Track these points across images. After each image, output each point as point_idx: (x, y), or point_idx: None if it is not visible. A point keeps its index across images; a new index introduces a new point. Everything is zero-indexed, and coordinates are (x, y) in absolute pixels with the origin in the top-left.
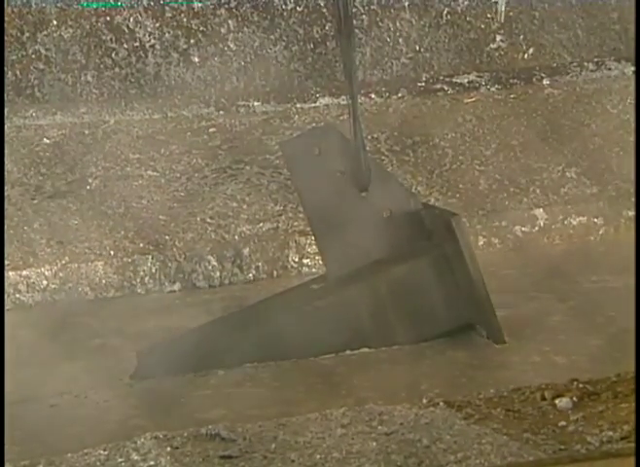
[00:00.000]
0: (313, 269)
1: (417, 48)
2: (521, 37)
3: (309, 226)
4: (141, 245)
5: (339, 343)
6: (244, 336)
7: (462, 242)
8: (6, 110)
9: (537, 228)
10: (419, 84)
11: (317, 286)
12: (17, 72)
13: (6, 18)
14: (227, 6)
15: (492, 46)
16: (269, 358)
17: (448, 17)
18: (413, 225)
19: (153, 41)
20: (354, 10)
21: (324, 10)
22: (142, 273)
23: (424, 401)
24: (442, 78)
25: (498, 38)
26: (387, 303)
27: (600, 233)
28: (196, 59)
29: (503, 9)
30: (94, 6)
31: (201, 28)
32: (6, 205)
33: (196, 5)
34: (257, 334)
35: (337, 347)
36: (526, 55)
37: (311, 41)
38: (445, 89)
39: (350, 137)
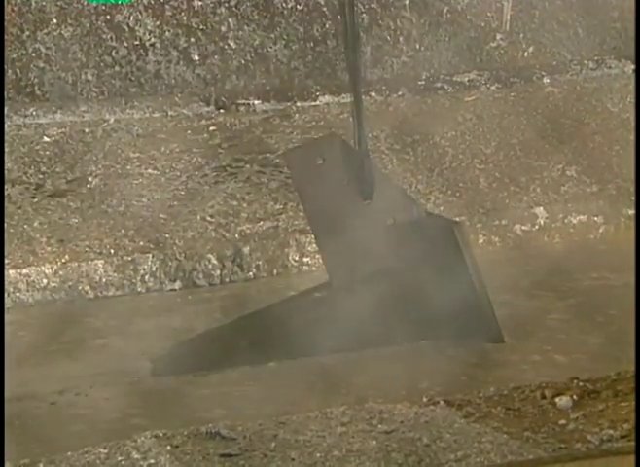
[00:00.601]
0: (313, 268)
1: (417, 46)
2: (521, 35)
3: (313, 234)
4: (141, 244)
5: (342, 351)
6: (248, 344)
7: (465, 251)
8: (6, 108)
9: (537, 226)
10: (419, 82)
11: (320, 294)
12: (18, 70)
13: (6, 17)
14: (227, 4)
15: (492, 44)
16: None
17: (449, 15)
18: (416, 233)
19: (153, 39)
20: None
21: (324, 8)
22: (142, 272)
23: (424, 399)
24: (442, 76)
25: (498, 36)
26: (390, 310)
27: (600, 231)
28: (197, 58)
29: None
30: (97, 1)
31: (201, 27)
32: (6, 204)
33: (197, 3)
34: (260, 342)
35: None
36: (526, 54)
37: (311, 39)
38: (446, 87)
39: (354, 146)
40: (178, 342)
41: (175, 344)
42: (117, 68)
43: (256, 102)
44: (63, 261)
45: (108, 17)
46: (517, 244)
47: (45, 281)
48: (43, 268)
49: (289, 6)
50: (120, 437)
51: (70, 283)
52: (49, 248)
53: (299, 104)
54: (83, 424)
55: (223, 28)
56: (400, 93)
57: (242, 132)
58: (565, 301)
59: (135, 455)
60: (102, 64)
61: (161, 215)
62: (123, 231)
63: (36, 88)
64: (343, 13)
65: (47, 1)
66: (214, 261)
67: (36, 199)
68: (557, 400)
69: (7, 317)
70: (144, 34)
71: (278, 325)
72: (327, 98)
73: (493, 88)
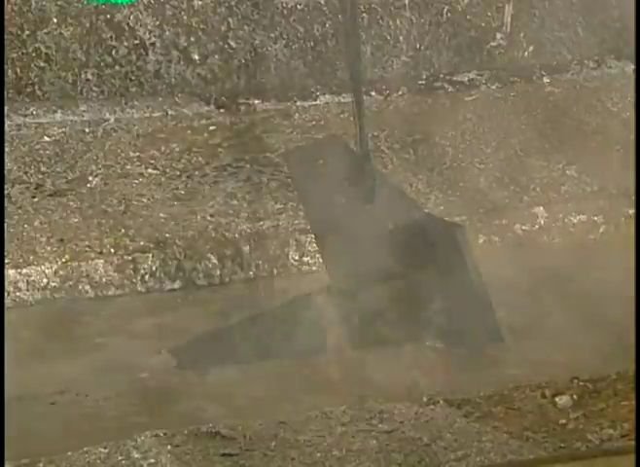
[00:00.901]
0: (313, 268)
1: (418, 46)
2: (522, 35)
3: (313, 236)
4: (141, 243)
5: (342, 351)
6: (252, 346)
7: (466, 254)
8: (6, 108)
9: (537, 226)
10: (420, 82)
11: (320, 296)
12: (18, 70)
13: (6, 16)
14: (227, 4)
15: (492, 44)
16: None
17: (449, 14)
18: (417, 236)
19: (153, 39)
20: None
21: (324, 8)
22: (142, 271)
23: (424, 399)
24: (442, 76)
25: (498, 36)
26: (390, 314)
27: (600, 231)
28: (197, 57)
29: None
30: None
31: (201, 26)
32: (6, 203)
33: (197, 3)
34: (261, 343)
35: None
36: (526, 53)
37: (312, 39)
38: (446, 87)
39: (355, 146)
40: (187, 339)
41: (180, 342)
42: (117, 68)
43: (256, 102)
44: (63, 260)
45: (108, 16)
46: (517, 244)
47: (45, 281)
48: (43, 267)
49: (289, 6)
50: (120, 436)
51: (70, 283)
52: (49, 248)
53: (299, 104)
54: (83, 424)
55: (223, 28)
56: (400, 93)
57: (242, 132)
58: (565, 300)
59: (135, 455)
60: (102, 64)
61: (162, 214)
62: (123, 230)
63: (36, 87)
64: (343, 12)
65: (47, 1)
66: (214, 260)
67: (36, 199)
68: (557, 399)
69: (7, 317)
70: (144, 34)
71: (279, 326)
72: (327, 98)
73: (493, 87)
